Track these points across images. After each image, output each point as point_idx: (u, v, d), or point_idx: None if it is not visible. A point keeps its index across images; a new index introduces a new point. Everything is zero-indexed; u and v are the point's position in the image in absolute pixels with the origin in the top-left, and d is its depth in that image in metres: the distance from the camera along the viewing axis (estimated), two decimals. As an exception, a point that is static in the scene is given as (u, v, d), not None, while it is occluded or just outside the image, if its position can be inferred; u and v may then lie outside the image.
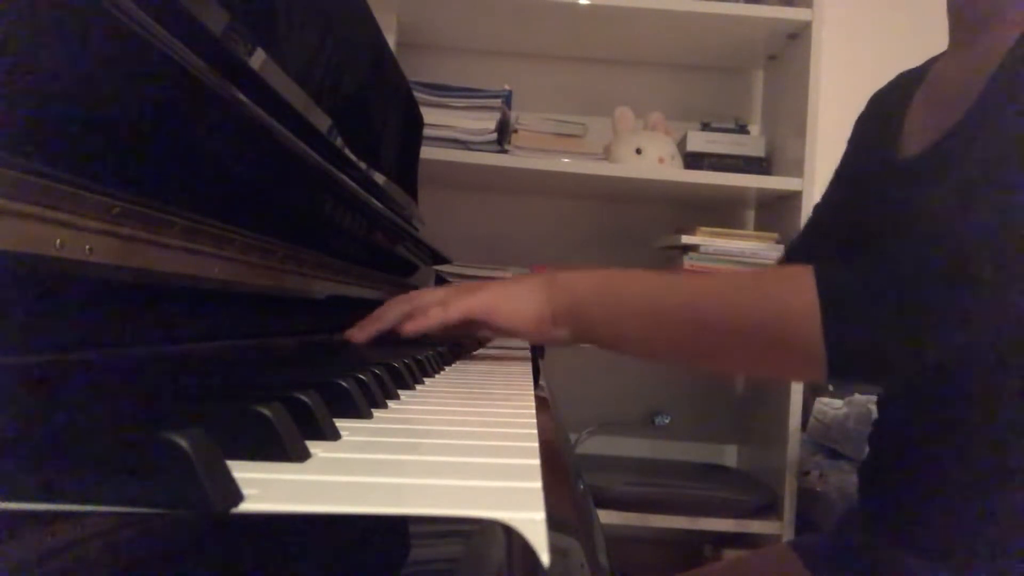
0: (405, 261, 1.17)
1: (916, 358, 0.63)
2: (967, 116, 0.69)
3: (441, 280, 1.50)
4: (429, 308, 0.76)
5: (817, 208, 1.00)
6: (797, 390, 1.56)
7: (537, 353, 0.97)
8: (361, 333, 0.77)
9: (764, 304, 0.66)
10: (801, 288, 0.63)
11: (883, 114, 0.87)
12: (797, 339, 0.63)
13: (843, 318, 0.61)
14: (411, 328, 0.75)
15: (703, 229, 1.65)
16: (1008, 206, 0.60)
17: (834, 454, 1.64)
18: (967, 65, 0.74)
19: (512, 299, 0.75)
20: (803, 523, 1.55)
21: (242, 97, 0.44)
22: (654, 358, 0.78)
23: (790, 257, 1.02)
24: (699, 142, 1.72)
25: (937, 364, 0.64)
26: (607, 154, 1.70)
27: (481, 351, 0.98)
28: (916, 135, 0.79)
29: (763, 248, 1.64)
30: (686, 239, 1.65)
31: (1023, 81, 0.64)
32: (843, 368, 0.63)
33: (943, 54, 0.84)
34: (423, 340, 0.78)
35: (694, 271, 1.63)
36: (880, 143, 0.85)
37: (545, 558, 0.20)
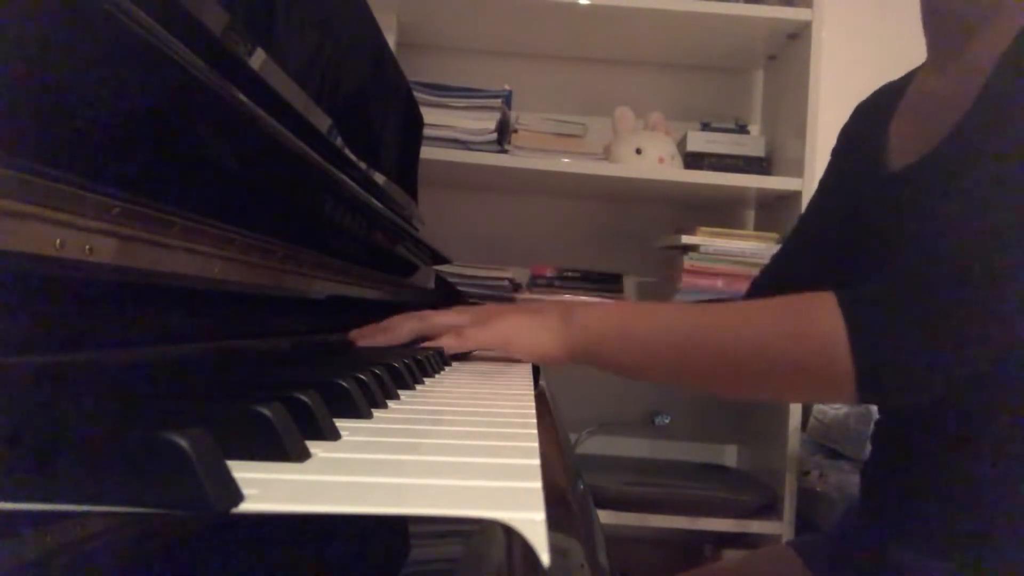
0: (405, 261, 1.17)
1: (948, 369, 0.62)
2: (964, 123, 0.69)
3: (441, 280, 1.50)
4: (442, 335, 0.75)
5: (802, 219, 1.00)
6: (797, 390, 1.56)
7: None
8: (365, 341, 0.77)
9: (789, 333, 0.65)
10: (825, 314, 0.62)
11: (867, 126, 0.88)
12: (826, 365, 0.62)
13: (871, 339, 0.61)
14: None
15: (703, 229, 1.65)
16: None
17: (834, 454, 1.64)
18: (953, 77, 0.75)
19: (528, 333, 0.74)
20: (803, 523, 1.55)
21: (242, 97, 0.44)
22: (679, 386, 0.78)
23: (778, 266, 1.02)
24: (699, 142, 1.71)
25: (972, 374, 0.63)
26: (607, 154, 1.70)
27: (481, 351, 0.98)
28: (903, 147, 0.80)
29: (763, 248, 1.64)
30: (686, 239, 1.65)
31: None
32: (874, 388, 0.63)
33: (921, 67, 0.84)
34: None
35: (701, 270, 1.63)
36: (866, 155, 0.85)
37: (545, 558, 0.20)
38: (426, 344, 0.75)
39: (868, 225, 0.82)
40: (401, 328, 0.77)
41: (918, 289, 0.61)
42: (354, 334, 0.77)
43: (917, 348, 0.61)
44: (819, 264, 0.94)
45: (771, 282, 0.99)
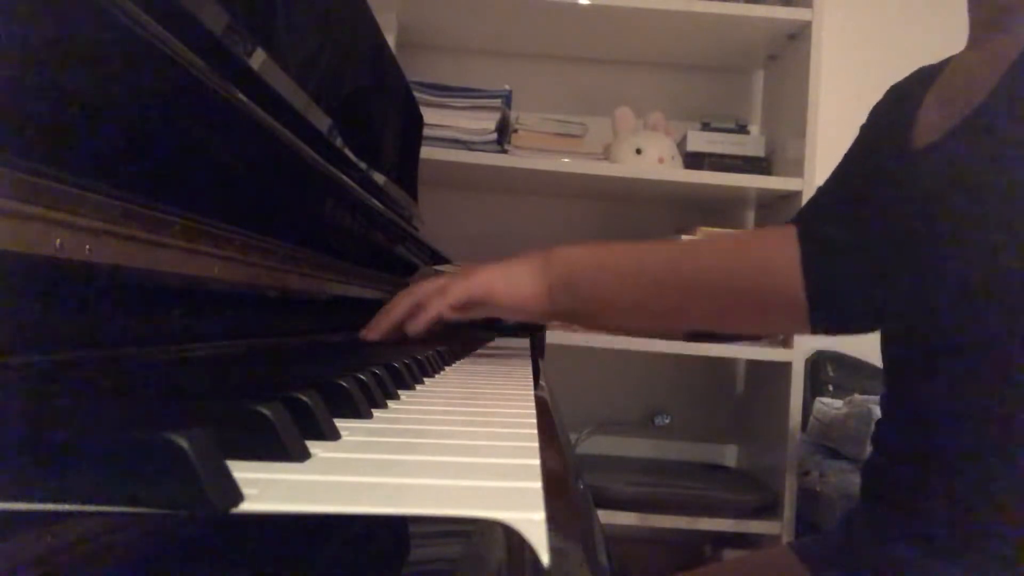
0: (405, 261, 1.17)
1: (895, 299, 0.64)
2: (983, 104, 0.69)
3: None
4: (429, 300, 0.76)
5: (821, 189, 1.00)
6: (797, 390, 1.57)
7: (537, 353, 0.97)
8: (373, 332, 0.78)
9: (749, 262, 0.69)
10: (784, 243, 0.65)
11: (898, 105, 0.88)
12: (781, 292, 0.66)
13: (822, 268, 0.64)
14: (413, 328, 0.76)
15: (703, 229, 1.65)
16: None
17: (834, 454, 1.64)
18: (985, 59, 0.75)
19: (509, 276, 0.76)
20: (803, 523, 1.55)
21: (242, 97, 0.44)
22: (642, 326, 0.80)
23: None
24: (699, 142, 1.72)
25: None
26: (607, 154, 1.70)
27: (481, 351, 0.98)
28: (929, 126, 0.80)
29: (763, 248, 1.64)
30: (686, 239, 1.65)
31: None
32: (824, 315, 0.66)
33: (963, 51, 0.84)
34: (428, 339, 0.78)
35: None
36: (893, 133, 0.85)
37: (545, 558, 0.20)
38: (414, 320, 0.76)
39: (887, 200, 0.82)
40: (396, 308, 0.78)
41: (884, 226, 0.64)
42: (362, 334, 0.79)
43: (866, 278, 0.63)
44: (828, 230, 0.95)
45: None
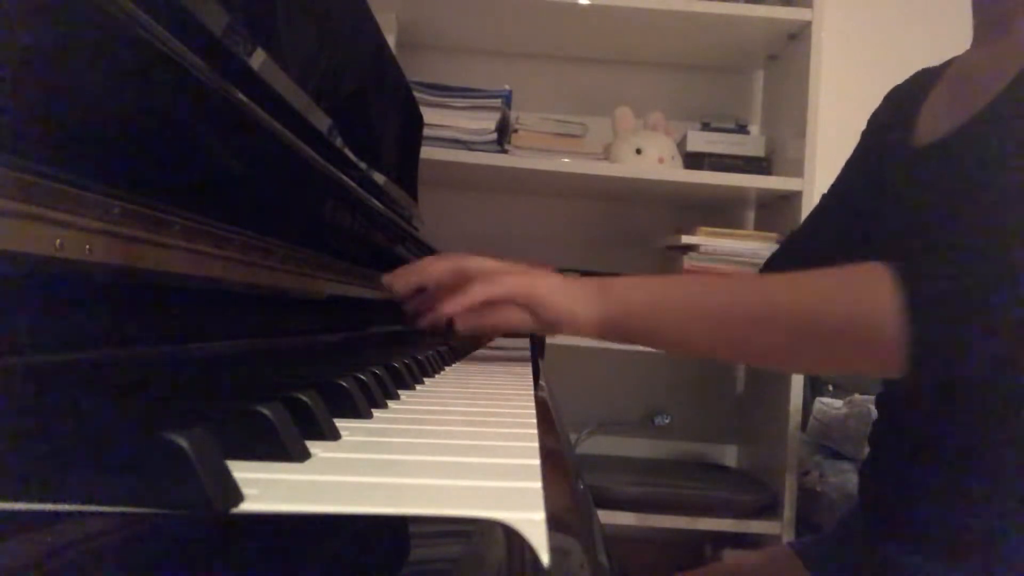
0: (405, 261, 1.17)
1: (994, 348, 0.62)
2: (998, 101, 0.69)
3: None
4: (472, 284, 0.71)
5: (825, 196, 1.00)
6: (797, 390, 1.56)
7: (537, 353, 0.97)
8: (399, 281, 0.74)
9: (842, 304, 0.65)
10: (879, 283, 0.62)
11: (899, 106, 0.88)
12: (878, 338, 0.62)
13: (925, 310, 0.61)
14: (450, 308, 0.70)
15: (703, 229, 1.65)
16: None
17: (834, 454, 1.64)
18: (991, 59, 0.75)
19: (562, 294, 0.71)
20: (803, 523, 1.55)
21: (242, 97, 0.44)
22: (716, 359, 0.76)
23: (793, 241, 1.03)
24: (699, 142, 1.71)
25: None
26: (607, 154, 1.70)
27: (481, 351, 0.98)
28: (933, 124, 0.80)
29: (763, 248, 1.63)
30: (686, 239, 1.65)
31: None
32: (922, 363, 0.62)
33: (967, 51, 0.84)
34: (426, 340, 0.77)
35: (700, 270, 1.63)
36: (894, 133, 0.85)
37: (545, 558, 0.20)
38: (452, 300, 0.70)
39: (891, 202, 0.82)
40: (434, 267, 0.75)
41: (974, 263, 0.61)
42: (386, 278, 0.74)
43: (970, 322, 0.60)
44: (837, 242, 0.94)
45: (787, 259, 0.99)
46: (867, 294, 0.63)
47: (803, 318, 0.66)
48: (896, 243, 0.77)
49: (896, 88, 0.93)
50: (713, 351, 0.74)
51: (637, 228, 1.91)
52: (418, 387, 0.53)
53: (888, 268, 0.62)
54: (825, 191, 1.00)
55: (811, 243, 0.99)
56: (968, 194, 0.66)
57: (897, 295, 0.61)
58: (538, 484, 0.26)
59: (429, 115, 1.55)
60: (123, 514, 0.21)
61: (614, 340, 0.73)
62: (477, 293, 0.70)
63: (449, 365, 0.74)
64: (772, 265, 1.03)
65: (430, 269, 0.75)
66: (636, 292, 0.71)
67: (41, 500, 0.21)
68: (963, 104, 0.74)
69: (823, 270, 0.67)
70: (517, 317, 0.72)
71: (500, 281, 0.71)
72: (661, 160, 1.66)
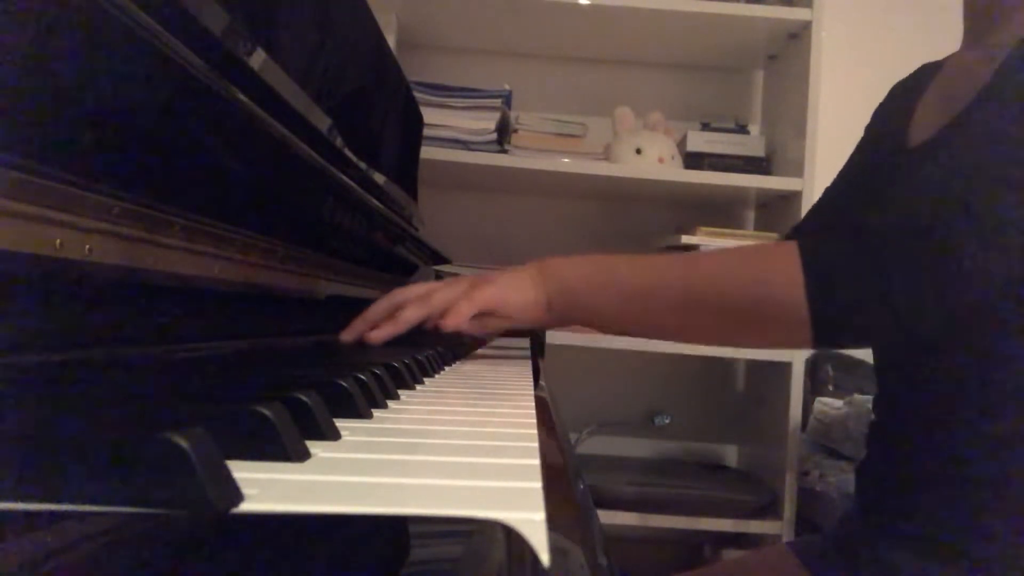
0: (405, 261, 1.17)
1: (895, 319, 0.65)
2: (970, 105, 0.70)
3: (440, 280, 1.50)
4: (456, 303, 0.74)
5: (826, 192, 1.00)
6: (797, 390, 1.57)
7: (537, 353, 0.97)
8: (379, 334, 0.75)
9: (751, 280, 0.68)
10: (786, 261, 0.66)
11: (898, 102, 0.88)
12: (784, 310, 0.66)
13: (825, 286, 0.64)
14: (451, 323, 0.73)
15: (703, 229, 1.65)
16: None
17: (834, 454, 1.64)
18: (979, 58, 0.75)
19: (517, 289, 0.75)
20: (803, 523, 1.55)
21: (242, 97, 0.44)
22: (645, 336, 0.79)
23: (790, 238, 1.03)
24: (699, 142, 1.72)
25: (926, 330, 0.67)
26: (607, 154, 1.70)
27: (481, 351, 0.98)
28: (925, 123, 0.80)
29: (763, 248, 1.63)
30: (686, 239, 1.65)
31: None
32: (828, 334, 0.67)
33: (959, 49, 0.84)
34: (423, 341, 0.77)
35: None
36: (891, 131, 0.86)
37: (545, 558, 0.20)
38: (447, 319, 0.74)
39: (883, 198, 0.82)
40: (410, 315, 0.75)
41: (879, 242, 0.64)
42: (367, 337, 0.75)
43: (871, 295, 0.63)
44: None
45: None
46: (777, 273, 0.66)
47: (717, 295, 0.70)
48: (889, 242, 0.77)
49: (900, 82, 0.94)
50: (644, 328, 0.77)
51: (637, 228, 1.91)
52: (418, 387, 0.53)
53: (795, 244, 0.66)
54: (828, 186, 1.00)
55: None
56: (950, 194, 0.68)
57: (800, 269, 0.64)
58: (538, 484, 0.26)
59: (429, 115, 1.55)
60: (123, 514, 0.21)
61: (568, 321, 0.77)
62: (464, 313, 0.74)
63: (449, 365, 0.74)
64: None
65: (370, 313, 0.77)
66: (569, 268, 0.76)
67: (41, 500, 0.21)
68: (951, 104, 0.75)
69: (742, 248, 0.70)
70: (492, 324, 0.77)
71: (477, 297, 0.74)
72: (661, 160, 1.66)
